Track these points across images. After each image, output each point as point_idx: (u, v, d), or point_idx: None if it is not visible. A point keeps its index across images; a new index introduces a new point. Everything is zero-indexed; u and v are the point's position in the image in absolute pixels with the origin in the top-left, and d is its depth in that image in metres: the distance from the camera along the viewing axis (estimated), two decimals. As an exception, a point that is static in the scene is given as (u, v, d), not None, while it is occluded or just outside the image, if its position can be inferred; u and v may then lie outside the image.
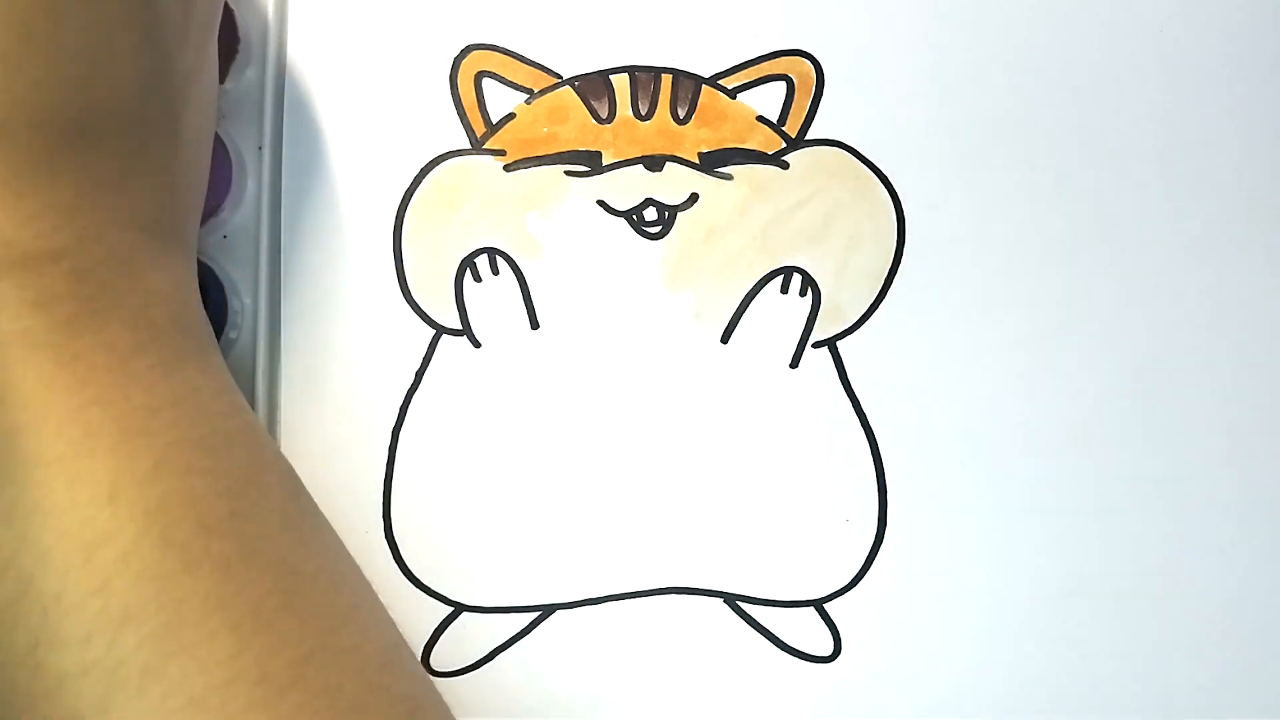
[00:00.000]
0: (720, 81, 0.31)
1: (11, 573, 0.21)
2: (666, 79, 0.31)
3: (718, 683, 0.30)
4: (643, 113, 0.31)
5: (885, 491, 0.31)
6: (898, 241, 0.31)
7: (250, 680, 0.21)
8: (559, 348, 0.31)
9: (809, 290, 0.31)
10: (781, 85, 0.31)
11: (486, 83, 0.31)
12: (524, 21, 0.31)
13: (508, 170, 0.31)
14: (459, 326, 0.31)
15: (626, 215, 0.31)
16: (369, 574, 0.30)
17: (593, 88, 0.31)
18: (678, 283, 0.31)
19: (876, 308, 0.31)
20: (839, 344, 0.31)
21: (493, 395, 0.31)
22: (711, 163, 0.31)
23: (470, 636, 0.30)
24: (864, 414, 0.31)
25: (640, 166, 0.31)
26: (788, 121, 0.31)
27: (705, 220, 0.31)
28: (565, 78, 0.31)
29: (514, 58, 0.31)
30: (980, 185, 0.31)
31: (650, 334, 0.31)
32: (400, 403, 0.31)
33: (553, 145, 0.31)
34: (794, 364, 0.31)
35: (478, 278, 0.31)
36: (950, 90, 0.31)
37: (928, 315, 0.31)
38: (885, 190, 0.31)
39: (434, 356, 0.31)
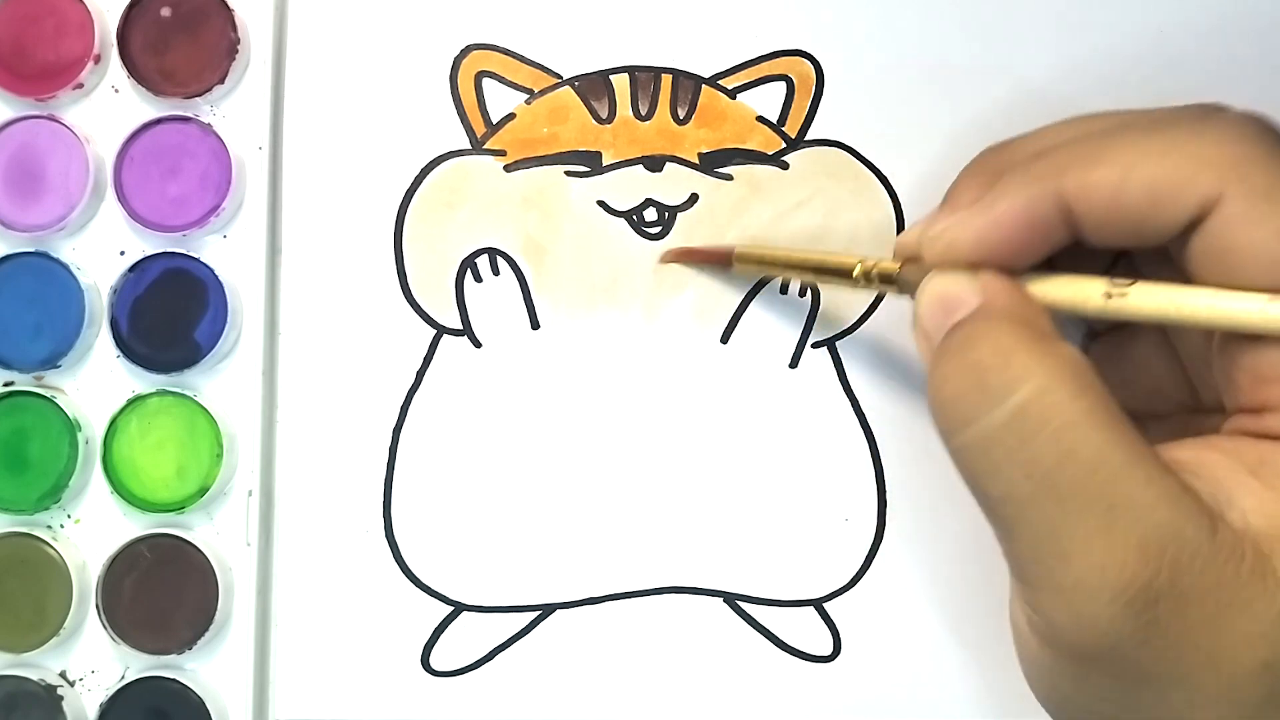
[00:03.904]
0: (720, 81, 0.31)
1: None
2: (666, 79, 0.31)
3: (718, 683, 0.30)
4: (643, 113, 0.31)
5: (884, 491, 0.31)
6: (898, 241, 0.31)
7: None
8: (559, 348, 0.31)
9: (809, 290, 0.31)
10: (781, 85, 0.31)
11: (486, 83, 0.31)
12: (524, 21, 0.31)
13: (508, 170, 0.31)
14: (460, 326, 0.31)
15: (626, 215, 0.31)
16: (369, 574, 0.30)
17: (593, 88, 0.31)
18: (678, 283, 0.31)
19: (876, 308, 0.31)
20: (839, 344, 0.31)
21: (493, 395, 0.31)
22: (711, 163, 0.31)
23: (470, 636, 0.30)
24: (863, 414, 0.31)
25: (640, 167, 0.31)
26: (787, 122, 0.31)
27: (705, 220, 0.31)
28: (565, 78, 0.31)
29: (514, 58, 0.31)
30: (980, 185, 0.31)
31: (650, 334, 0.31)
32: (401, 403, 0.31)
33: (553, 145, 0.31)
34: (794, 364, 0.31)
35: (478, 278, 0.31)
36: (950, 90, 0.31)
37: (928, 315, 0.31)
38: (885, 190, 0.31)
39: (435, 356, 0.31)
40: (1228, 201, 0.22)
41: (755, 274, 0.31)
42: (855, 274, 0.26)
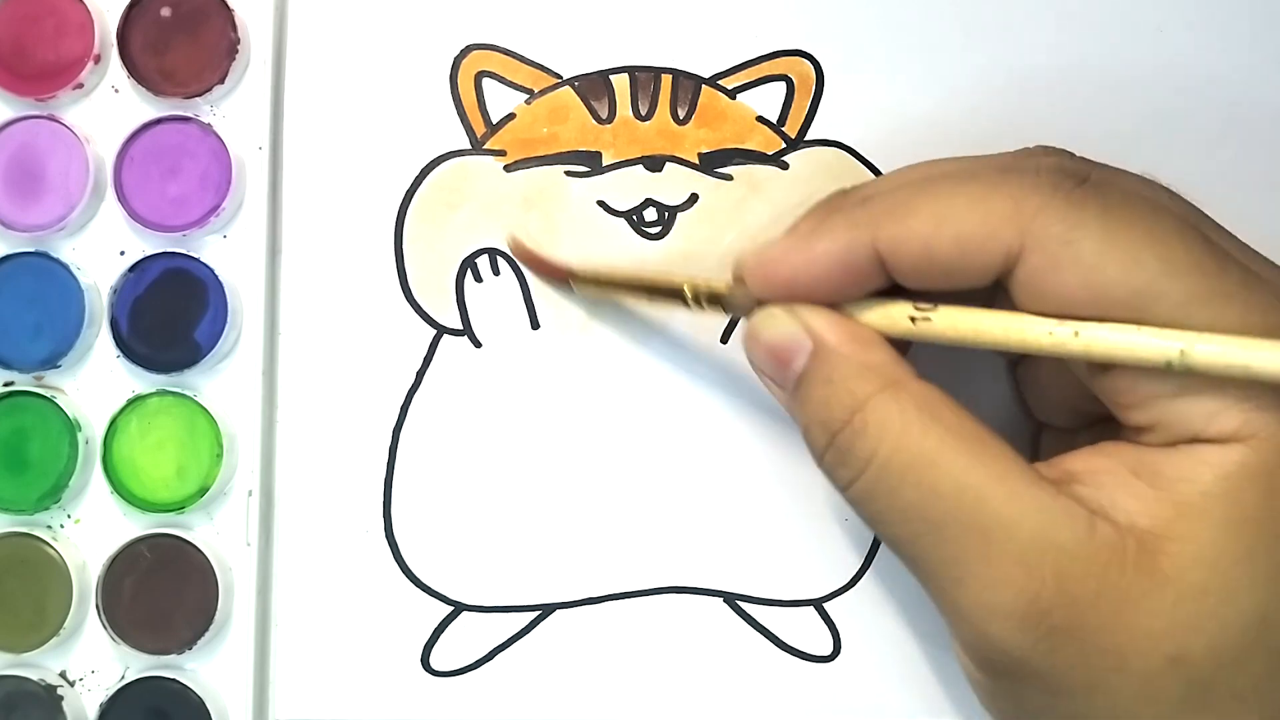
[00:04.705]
0: (720, 82, 0.31)
1: None
2: (666, 79, 0.31)
3: (718, 682, 0.30)
4: (643, 113, 0.31)
5: (885, 491, 0.31)
6: (897, 241, 0.31)
7: None
8: (559, 348, 0.31)
9: (809, 290, 0.31)
10: (781, 85, 0.31)
11: (486, 83, 0.31)
12: (524, 21, 0.31)
13: (508, 170, 0.31)
14: (460, 326, 0.31)
15: (626, 215, 0.31)
16: (369, 574, 0.30)
17: (593, 88, 0.31)
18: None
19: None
20: (839, 344, 0.31)
21: (493, 395, 0.31)
22: (711, 163, 0.31)
23: (470, 636, 0.30)
24: (864, 414, 0.31)
25: (640, 167, 0.31)
26: (787, 122, 0.31)
27: (705, 220, 0.31)
28: (565, 78, 0.31)
29: (514, 58, 0.31)
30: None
31: (650, 334, 0.31)
32: (401, 403, 0.31)
33: (553, 145, 0.31)
34: (794, 364, 0.31)
35: (478, 278, 0.31)
36: (950, 90, 0.31)
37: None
38: (885, 190, 0.31)
39: (435, 356, 0.31)
40: (1029, 253, 0.23)
41: (594, 294, 0.30)
42: (687, 295, 0.27)
